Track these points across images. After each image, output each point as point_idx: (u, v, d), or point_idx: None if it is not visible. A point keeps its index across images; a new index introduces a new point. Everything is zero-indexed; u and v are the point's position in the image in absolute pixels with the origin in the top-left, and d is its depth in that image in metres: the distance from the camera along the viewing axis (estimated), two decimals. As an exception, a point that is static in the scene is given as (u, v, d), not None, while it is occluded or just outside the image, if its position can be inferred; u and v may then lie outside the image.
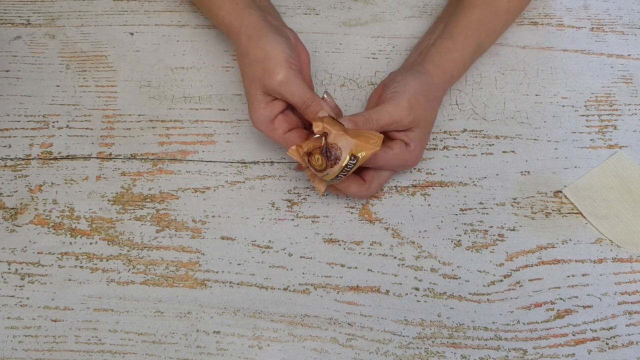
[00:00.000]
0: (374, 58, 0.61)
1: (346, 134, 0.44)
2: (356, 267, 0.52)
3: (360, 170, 0.50)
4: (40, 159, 0.56)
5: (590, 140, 0.57)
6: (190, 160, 0.56)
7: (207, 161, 0.56)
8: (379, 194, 0.54)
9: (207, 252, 0.52)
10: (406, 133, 0.49)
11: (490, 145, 0.57)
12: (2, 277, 0.51)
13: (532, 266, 0.52)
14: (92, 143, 0.57)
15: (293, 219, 0.54)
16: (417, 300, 0.50)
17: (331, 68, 0.60)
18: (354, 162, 0.44)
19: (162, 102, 0.59)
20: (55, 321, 0.50)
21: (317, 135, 0.45)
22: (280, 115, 0.50)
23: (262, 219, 0.54)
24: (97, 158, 0.56)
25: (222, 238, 0.53)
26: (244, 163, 0.56)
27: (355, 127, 0.46)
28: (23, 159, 0.56)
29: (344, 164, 0.44)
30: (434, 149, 0.56)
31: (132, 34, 0.62)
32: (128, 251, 0.52)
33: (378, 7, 0.64)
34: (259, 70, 0.48)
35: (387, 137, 0.50)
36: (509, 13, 0.56)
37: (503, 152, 0.56)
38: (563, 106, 0.59)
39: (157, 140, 0.57)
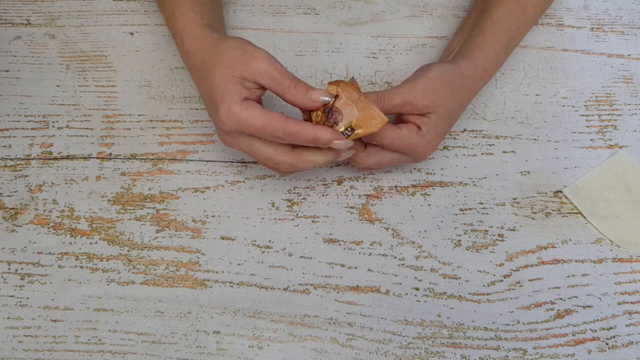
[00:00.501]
0: (374, 57, 0.61)
1: (354, 106, 0.44)
2: (356, 267, 0.52)
3: (367, 144, 0.50)
4: (40, 159, 0.56)
5: (590, 140, 0.57)
6: (190, 160, 0.56)
7: (207, 161, 0.56)
8: (378, 194, 0.54)
9: (207, 252, 0.52)
10: (420, 117, 0.48)
11: (490, 145, 0.57)
12: (2, 277, 0.51)
13: (532, 266, 0.52)
14: (92, 143, 0.57)
15: (293, 219, 0.54)
16: (417, 300, 0.50)
17: (331, 68, 0.60)
18: (349, 133, 0.44)
19: (162, 102, 0.59)
20: (55, 321, 0.50)
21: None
22: (252, 100, 0.45)
23: (262, 219, 0.54)
24: (97, 158, 0.56)
25: (222, 238, 0.53)
26: (244, 163, 0.56)
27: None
28: (23, 159, 0.56)
29: (339, 131, 0.44)
30: (434, 149, 0.57)
31: (132, 34, 0.62)
32: (128, 251, 0.52)
33: (378, 7, 0.64)
34: (238, 54, 0.45)
35: (401, 120, 0.49)
36: (537, 7, 0.56)
37: (503, 152, 0.56)
38: (563, 106, 0.58)
39: (157, 140, 0.57)
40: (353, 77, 0.49)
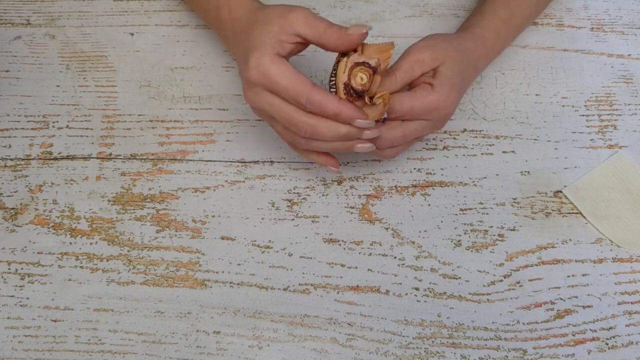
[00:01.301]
0: (374, 58, 0.61)
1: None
2: (356, 267, 0.52)
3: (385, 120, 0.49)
4: (40, 159, 0.56)
5: (590, 140, 0.57)
6: (190, 160, 0.56)
7: (207, 161, 0.56)
8: (378, 194, 0.54)
9: (207, 252, 0.52)
10: (430, 77, 0.47)
11: (490, 145, 0.57)
12: (2, 277, 0.51)
13: (532, 266, 0.52)
14: (92, 143, 0.57)
15: (293, 219, 0.54)
16: (417, 300, 0.50)
17: (331, 68, 0.60)
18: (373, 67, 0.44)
19: (162, 102, 0.59)
20: (55, 321, 0.50)
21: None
22: (286, 59, 0.45)
23: (262, 219, 0.54)
24: (97, 158, 0.56)
25: (222, 238, 0.53)
26: (244, 162, 0.56)
27: (382, 85, 0.45)
28: (23, 159, 0.56)
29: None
30: (434, 149, 0.56)
31: (132, 34, 0.62)
32: (128, 251, 0.52)
33: (378, 7, 0.64)
34: (278, 10, 0.45)
35: (414, 86, 0.48)
36: None
37: (503, 152, 0.56)
38: (563, 106, 0.58)
39: (157, 140, 0.57)
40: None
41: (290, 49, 0.45)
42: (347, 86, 0.44)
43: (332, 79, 0.44)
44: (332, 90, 0.44)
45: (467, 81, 0.51)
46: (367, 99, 0.44)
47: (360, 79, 0.44)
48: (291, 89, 0.43)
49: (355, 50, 0.45)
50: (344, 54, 0.45)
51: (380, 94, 0.44)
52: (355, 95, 0.44)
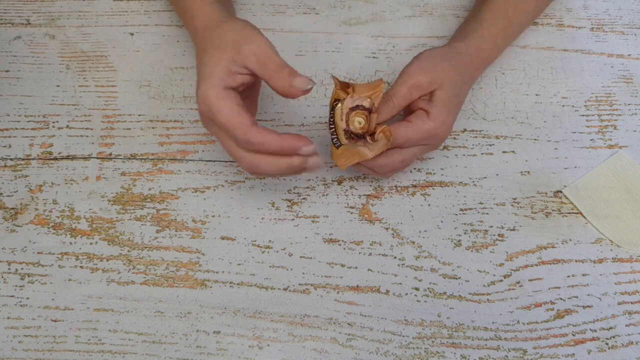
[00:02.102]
0: (374, 57, 0.61)
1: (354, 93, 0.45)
2: (356, 267, 0.52)
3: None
4: (40, 159, 0.56)
5: (590, 140, 0.57)
6: (190, 160, 0.56)
7: (207, 161, 0.56)
8: (378, 194, 0.54)
9: (207, 252, 0.52)
10: (427, 102, 0.47)
11: (490, 145, 0.57)
12: (2, 277, 0.51)
13: (532, 266, 0.52)
14: (92, 143, 0.57)
15: (293, 219, 0.54)
16: (417, 300, 0.50)
17: (331, 67, 0.60)
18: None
19: (162, 102, 0.59)
20: (55, 321, 0.50)
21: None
22: (234, 92, 0.44)
23: (262, 219, 0.54)
24: (97, 158, 0.56)
25: (222, 238, 0.53)
26: (244, 163, 0.56)
27: (380, 113, 0.46)
28: (23, 159, 0.56)
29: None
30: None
31: (132, 34, 0.62)
32: (128, 251, 0.52)
33: (378, 6, 0.64)
34: (234, 36, 0.44)
35: (410, 112, 0.49)
36: None
37: (503, 152, 0.56)
38: (563, 106, 0.58)
39: (157, 140, 0.57)
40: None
41: (242, 79, 0.44)
42: (347, 132, 0.45)
43: (332, 126, 0.46)
44: (333, 136, 0.46)
45: (463, 100, 0.51)
46: (368, 138, 0.45)
47: (358, 123, 0.45)
48: (230, 127, 0.42)
49: (347, 92, 0.45)
50: (336, 103, 0.45)
51: (381, 129, 0.45)
52: (356, 138, 0.45)
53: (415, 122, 0.47)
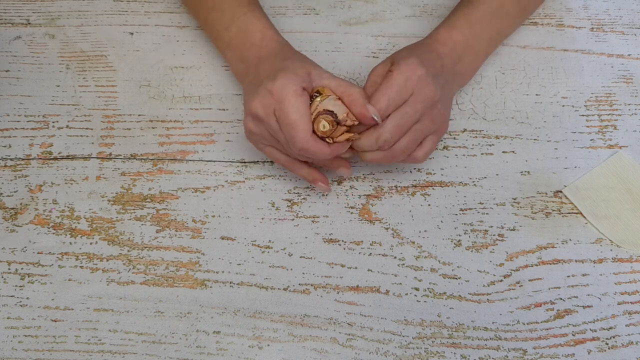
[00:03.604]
0: (374, 57, 0.61)
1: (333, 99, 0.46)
2: (356, 267, 0.52)
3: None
4: (40, 159, 0.56)
5: (590, 140, 0.57)
6: (190, 160, 0.56)
7: (207, 161, 0.56)
8: (378, 194, 0.54)
9: (207, 252, 0.52)
10: (392, 60, 0.49)
11: (490, 145, 0.57)
12: (2, 277, 0.51)
13: (532, 266, 0.52)
14: (92, 143, 0.57)
15: (293, 219, 0.54)
16: (417, 300, 0.50)
17: (331, 67, 0.60)
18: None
19: (162, 102, 0.59)
20: (55, 321, 0.50)
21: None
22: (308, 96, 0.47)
23: (262, 219, 0.54)
24: (97, 158, 0.56)
25: (222, 238, 0.53)
26: (244, 163, 0.56)
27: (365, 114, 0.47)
28: (23, 159, 0.56)
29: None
30: (434, 148, 0.56)
31: (132, 33, 0.62)
32: (128, 251, 0.52)
33: (378, 6, 0.64)
34: (305, 68, 0.48)
35: None
36: None
37: (503, 152, 0.56)
38: (563, 106, 0.58)
39: (157, 140, 0.57)
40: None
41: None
42: (313, 131, 0.46)
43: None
44: None
45: (430, 59, 0.50)
46: (328, 139, 0.46)
47: (322, 127, 0.45)
48: (294, 127, 0.44)
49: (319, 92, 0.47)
50: (314, 95, 0.46)
51: (347, 136, 0.46)
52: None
53: (383, 82, 0.47)
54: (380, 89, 0.47)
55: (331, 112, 0.45)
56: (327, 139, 0.46)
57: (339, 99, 0.46)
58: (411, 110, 0.47)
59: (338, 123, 0.45)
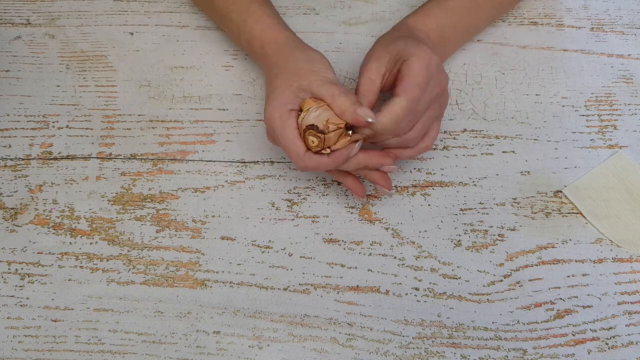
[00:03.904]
0: (374, 58, 0.61)
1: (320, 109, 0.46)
2: (356, 267, 0.52)
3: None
4: (40, 159, 0.56)
5: (590, 140, 0.57)
6: (190, 160, 0.56)
7: (207, 161, 0.56)
8: (378, 194, 0.54)
9: (207, 252, 0.52)
10: (398, 61, 0.47)
11: (490, 145, 0.57)
12: (2, 277, 0.51)
13: (532, 266, 0.52)
14: (92, 143, 0.57)
15: (293, 219, 0.54)
16: (417, 300, 0.50)
17: (331, 68, 0.60)
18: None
19: (162, 102, 0.59)
20: (55, 321, 0.50)
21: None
22: (296, 113, 0.47)
23: (262, 219, 0.54)
24: (97, 158, 0.56)
25: (222, 238, 0.53)
26: (244, 163, 0.56)
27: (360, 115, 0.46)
28: (23, 159, 0.56)
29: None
30: (434, 149, 0.56)
31: (132, 33, 0.62)
32: (128, 251, 0.52)
33: (378, 6, 0.64)
34: (305, 66, 0.48)
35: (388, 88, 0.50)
36: None
37: (503, 152, 0.56)
38: (563, 106, 0.58)
39: (157, 140, 0.57)
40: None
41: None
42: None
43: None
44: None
45: (421, 40, 0.51)
46: (323, 151, 0.46)
47: (311, 142, 0.46)
48: (287, 150, 0.47)
49: (316, 102, 0.47)
50: (301, 108, 0.47)
51: (345, 140, 0.46)
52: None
53: (405, 74, 0.46)
54: (407, 78, 0.46)
55: (312, 126, 0.45)
56: (323, 151, 0.46)
57: (323, 103, 0.46)
58: (428, 96, 0.47)
59: (323, 133, 0.45)
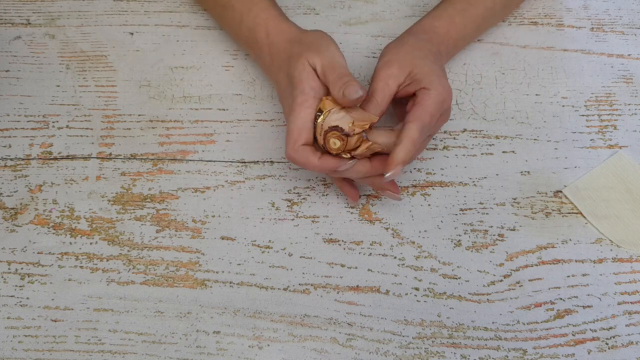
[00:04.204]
0: (374, 57, 0.61)
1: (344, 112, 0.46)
2: (356, 267, 0.52)
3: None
4: (40, 159, 0.56)
5: (590, 140, 0.57)
6: (190, 160, 0.56)
7: (207, 161, 0.56)
8: (378, 194, 0.54)
9: (207, 252, 0.52)
10: (416, 82, 0.47)
11: (490, 145, 0.57)
12: (2, 277, 0.51)
13: (532, 266, 0.52)
14: (92, 143, 0.57)
15: (293, 219, 0.54)
16: (417, 300, 0.50)
17: (331, 68, 0.60)
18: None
19: (162, 102, 0.59)
20: (55, 321, 0.50)
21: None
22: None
23: (262, 219, 0.54)
24: (97, 158, 0.56)
25: (222, 238, 0.53)
26: (244, 163, 0.56)
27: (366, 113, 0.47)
28: (23, 159, 0.56)
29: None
30: (434, 149, 0.56)
31: (132, 33, 0.62)
32: (128, 251, 0.52)
33: (378, 6, 0.64)
34: (313, 41, 0.48)
35: (403, 102, 0.50)
36: None
37: (503, 152, 0.56)
38: (563, 106, 0.58)
39: (157, 140, 0.57)
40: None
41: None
42: (323, 148, 0.46)
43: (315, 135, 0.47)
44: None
45: (443, 66, 0.52)
46: (343, 155, 0.46)
47: (333, 144, 0.46)
48: (290, 132, 0.46)
49: (335, 104, 0.46)
50: (320, 110, 0.46)
51: (366, 145, 0.46)
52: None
53: (421, 99, 0.47)
54: (421, 104, 0.46)
55: (336, 127, 0.45)
56: (343, 154, 0.46)
57: (342, 107, 0.46)
58: (439, 125, 0.50)
59: (347, 135, 0.45)
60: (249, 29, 0.54)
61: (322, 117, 0.46)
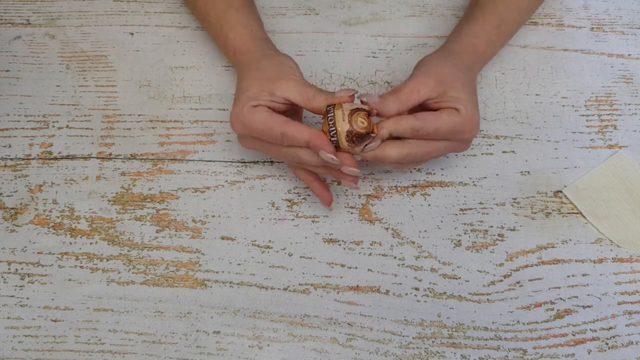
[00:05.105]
0: (374, 57, 0.61)
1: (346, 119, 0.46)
2: (356, 267, 0.52)
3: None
4: (40, 159, 0.56)
5: (590, 140, 0.57)
6: (190, 160, 0.56)
7: (207, 161, 0.56)
8: (378, 194, 0.54)
9: (207, 252, 0.52)
10: (454, 99, 0.47)
11: (490, 145, 0.57)
12: (2, 277, 0.51)
13: (532, 266, 0.52)
14: (92, 143, 0.57)
15: (293, 219, 0.54)
16: (417, 300, 0.50)
17: (331, 67, 0.60)
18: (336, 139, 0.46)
19: (162, 102, 0.59)
20: (55, 321, 0.50)
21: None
22: (263, 107, 0.47)
23: (262, 219, 0.54)
24: (97, 158, 0.56)
25: (222, 238, 0.53)
26: (244, 163, 0.56)
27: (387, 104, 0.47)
28: (23, 159, 0.56)
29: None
30: (434, 148, 0.56)
31: (132, 34, 0.62)
32: (128, 251, 0.52)
33: (378, 6, 0.64)
34: (272, 73, 0.48)
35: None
36: None
37: (503, 152, 0.56)
38: (563, 106, 0.58)
39: (157, 140, 0.57)
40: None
41: (281, 108, 0.48)
42: (350, 133, 0.45)
43: (332, 129, 0.46)
44: (333, 139, 0.46)
45: (474, 93, 0.51)
46: (371, 136, 0.46)
47: (361, 123, 0.45)
48: (266, 129, 0.46)
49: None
50: (330, 108, 0.46)
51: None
52: (358, 140, 0.45)
53: (445, 113, 0.47)
54: (437, 116, 0.46)
55: (359, 108, 0.45)
56: (372, 134, 0.46)
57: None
58: (447, 149, 0.49)
59: (369, 114, 0.46)
60: (223, 46, 0.55)
61: (339, 109, 0.45)
